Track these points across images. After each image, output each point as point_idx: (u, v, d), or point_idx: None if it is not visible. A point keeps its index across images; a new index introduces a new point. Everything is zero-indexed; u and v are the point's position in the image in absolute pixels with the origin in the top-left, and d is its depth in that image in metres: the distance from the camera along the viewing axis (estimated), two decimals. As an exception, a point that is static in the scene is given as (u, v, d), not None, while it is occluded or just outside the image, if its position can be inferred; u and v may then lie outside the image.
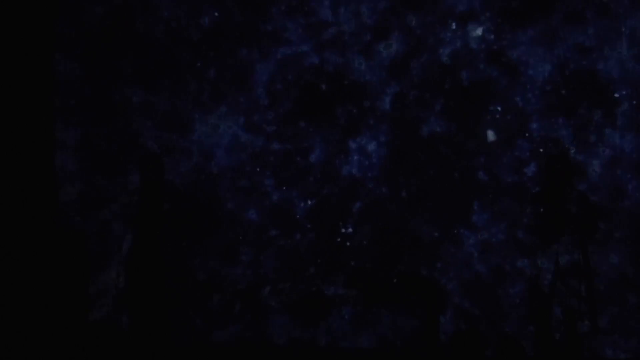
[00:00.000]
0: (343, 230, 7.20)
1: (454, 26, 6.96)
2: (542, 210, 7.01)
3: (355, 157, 7.11)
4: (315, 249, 7.18)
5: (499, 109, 7.00)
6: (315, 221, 7.18)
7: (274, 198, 7.19)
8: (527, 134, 6.99)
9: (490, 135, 7.10)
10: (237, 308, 7.28)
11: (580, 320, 6.96)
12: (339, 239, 7.19)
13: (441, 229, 7.06)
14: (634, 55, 6.86)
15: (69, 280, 7.56)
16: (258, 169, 7.18)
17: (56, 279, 7.45)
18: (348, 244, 7.20)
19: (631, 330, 6.90)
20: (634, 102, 6.89)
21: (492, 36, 6.94)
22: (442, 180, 7.05)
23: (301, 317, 7.31)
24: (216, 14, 7.15)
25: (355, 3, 7.09)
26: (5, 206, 7.38)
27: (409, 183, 7.08)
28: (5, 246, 7.31)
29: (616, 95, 6.91)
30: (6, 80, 7.39)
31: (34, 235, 7.43)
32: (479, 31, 6.97)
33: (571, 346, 7.03)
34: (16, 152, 7.44)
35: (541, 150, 6.99)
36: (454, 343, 5.91)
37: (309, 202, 7.18)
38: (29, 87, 7.51)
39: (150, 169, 7.29)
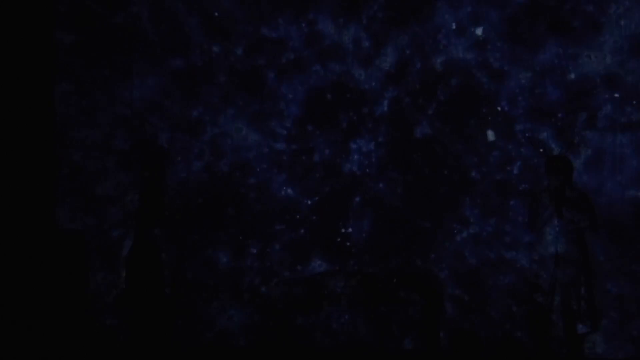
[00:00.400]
0: (343, 230, 7.57)
1: (448, 34, 7.35)
2: (533, 207, 6.98)
3: (356, 157, 7.52)
4: (318, 241, 7.54)
5: (488, 112, 7.39)
6: (319, 214, 7.53)
7: (282, 194, 7.55)
8: (514, 136, 7.33)
9: (490, 135, 7.39)
10: (246, 298, 7.59)
11: (580, 321, 6.90)
12: (339, 239, 7.56)
13: (434, 222, 7.40)
14: (616, 61, 7.22)
15: (69, 280, 7.38)
16: (267, 167, 7.55)
17: (56, 278, 7.35)
18: (348, 243, 7.57)
19: (606, 313, 7.21)
20: (615, 105, 7.25)
21: (481, 46, 7.36)
22: (436, 177, 7.42)
23: (303, 308, 7.55)
24: (228, 24, 7.57)
25: (356, 24, 7.52)
26: (5, 206, 7.30)
27: (404, 180, 7.47)
28: (5, 246, 7.22)
29: (599, 98, 7.23)
30: (8, 79, 7.33)
31: (34, 235, 7.31)
32: (479, 31, 7.31)
33: (571, 346, 7.00)
34: (16, 152, 7.36)
35: (523, 150, 7.33)
36: (453, 343, 5.67)
37: (314, 198, 7.55)
38: (29, 88, 7.41)
39: (152, 169, 7.30)
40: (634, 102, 7.21)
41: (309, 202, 7.56)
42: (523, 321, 7.28)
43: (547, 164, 7.07)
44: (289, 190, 7.57)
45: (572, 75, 7.27)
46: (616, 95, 7.24)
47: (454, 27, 7.40)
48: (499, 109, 7.37)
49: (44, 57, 7.61)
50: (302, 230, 7.56)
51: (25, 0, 7.48)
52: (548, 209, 6.93)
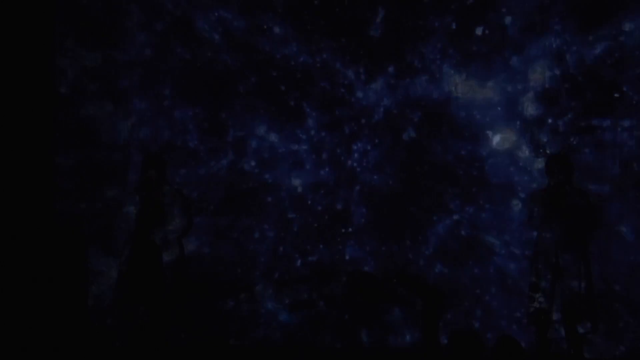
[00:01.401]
0: (343, 230, 8.25)
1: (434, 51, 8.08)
2: (531, 205, 6.91)
3: (356, 155, 8.32)
4: (324, 225, 8.24)
5: (468, 118, 8.10)
6: (325, 201, 8.29)
7: (295, 185, 8.27)
8: (486, 140, 8.04)
9: (491, 135, 7.89)
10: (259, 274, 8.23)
11: (580, 321, 6.71)
12: (339, 239, 8.26)
13: (420, 208, 8.08)
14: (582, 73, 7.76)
15: (69, 281, 7.41)
16: (281, 165, 8.26)
17: (56, 278, 7.35)
18: (350, 227, 8.21)
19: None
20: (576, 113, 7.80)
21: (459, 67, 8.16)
22: (421, 172, 8.16)
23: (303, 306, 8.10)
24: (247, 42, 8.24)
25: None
26: (5, 206, 7.24)
27: (394, 173, 8.23)
28: (5, 246, 7.15)
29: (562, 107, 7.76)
30: (9, 78, 7.36)
31: (34, 235, 7.31)
32: (479, 31, 7.91)
33: (571, 346, 6.83)
34: (16, 152, 7.34)
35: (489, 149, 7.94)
36: (452, 343, 5.41)
37: (321, 190, 8.28)
38: (33, 86, 7.45)
39: (153, 169, 7.07)
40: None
41: (316, 193, 8.22)
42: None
43: (547, 163, 6.91)
44: (301, 183, 8.24)
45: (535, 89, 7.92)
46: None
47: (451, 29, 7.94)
48: (468, 118, 8.03)
49: (43, 58, 7.70)
50: (311, 219, 8.24)
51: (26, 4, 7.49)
52: (548, 208, 6.79)
